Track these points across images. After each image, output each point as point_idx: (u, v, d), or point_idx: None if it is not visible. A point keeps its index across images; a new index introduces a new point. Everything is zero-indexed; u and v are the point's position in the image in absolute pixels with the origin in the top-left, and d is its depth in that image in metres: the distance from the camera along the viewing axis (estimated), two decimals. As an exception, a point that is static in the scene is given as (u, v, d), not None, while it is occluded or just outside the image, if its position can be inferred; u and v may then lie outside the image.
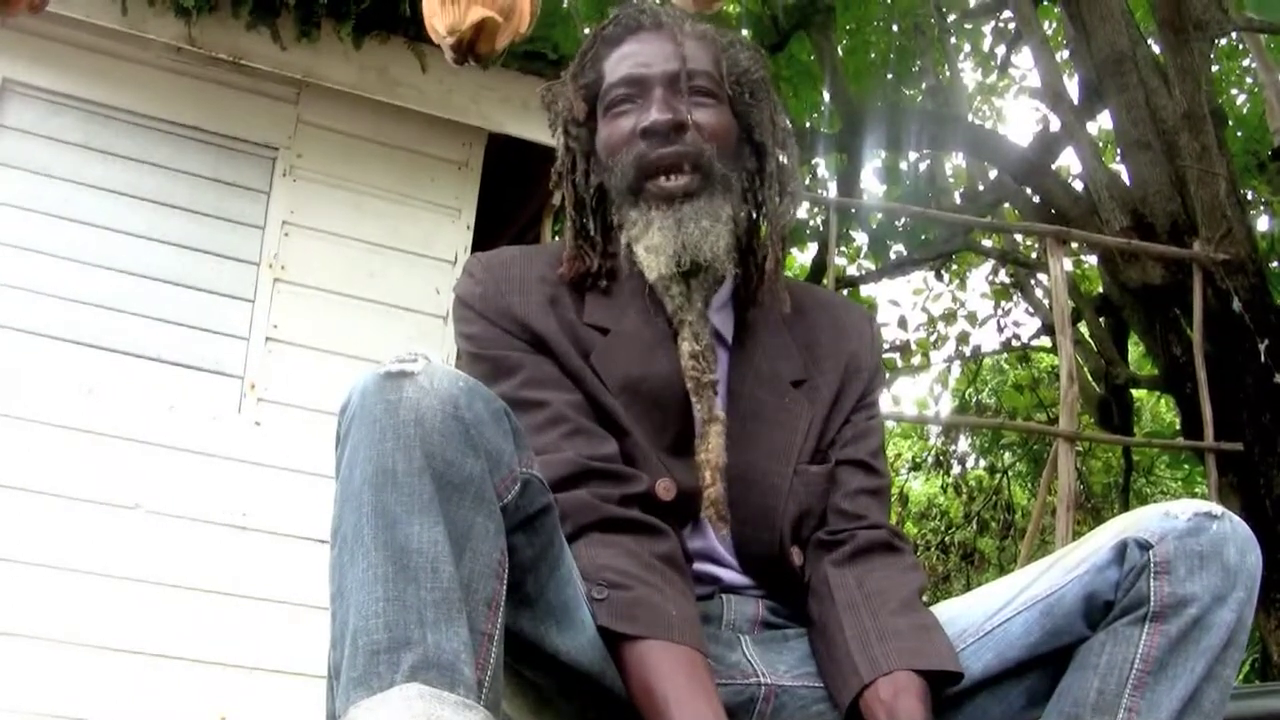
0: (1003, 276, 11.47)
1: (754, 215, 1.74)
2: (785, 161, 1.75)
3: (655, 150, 1.64)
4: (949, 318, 11.91)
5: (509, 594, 1.29)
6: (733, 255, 1.67)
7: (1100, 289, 9.84)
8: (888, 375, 11.24)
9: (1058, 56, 9.14)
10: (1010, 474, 12.62)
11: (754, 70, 1.74)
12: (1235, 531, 1.41)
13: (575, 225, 1.74)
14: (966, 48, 11.13)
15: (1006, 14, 9.95)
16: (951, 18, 10.34)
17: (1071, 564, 1.48)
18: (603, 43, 1.74)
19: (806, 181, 10.08)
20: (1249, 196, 9.14)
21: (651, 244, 1.63)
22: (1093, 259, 10.10)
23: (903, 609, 1.53)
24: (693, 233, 1.63)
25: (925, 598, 1.61)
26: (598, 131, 1.73)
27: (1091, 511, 10.90)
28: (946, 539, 12.69)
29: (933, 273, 11.52)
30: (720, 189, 1.66)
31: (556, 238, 5.42)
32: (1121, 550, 1.42)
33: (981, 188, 9.93)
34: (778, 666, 1.55)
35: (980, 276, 11.98)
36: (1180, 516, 1.41)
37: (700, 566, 1.61)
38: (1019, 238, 10.46)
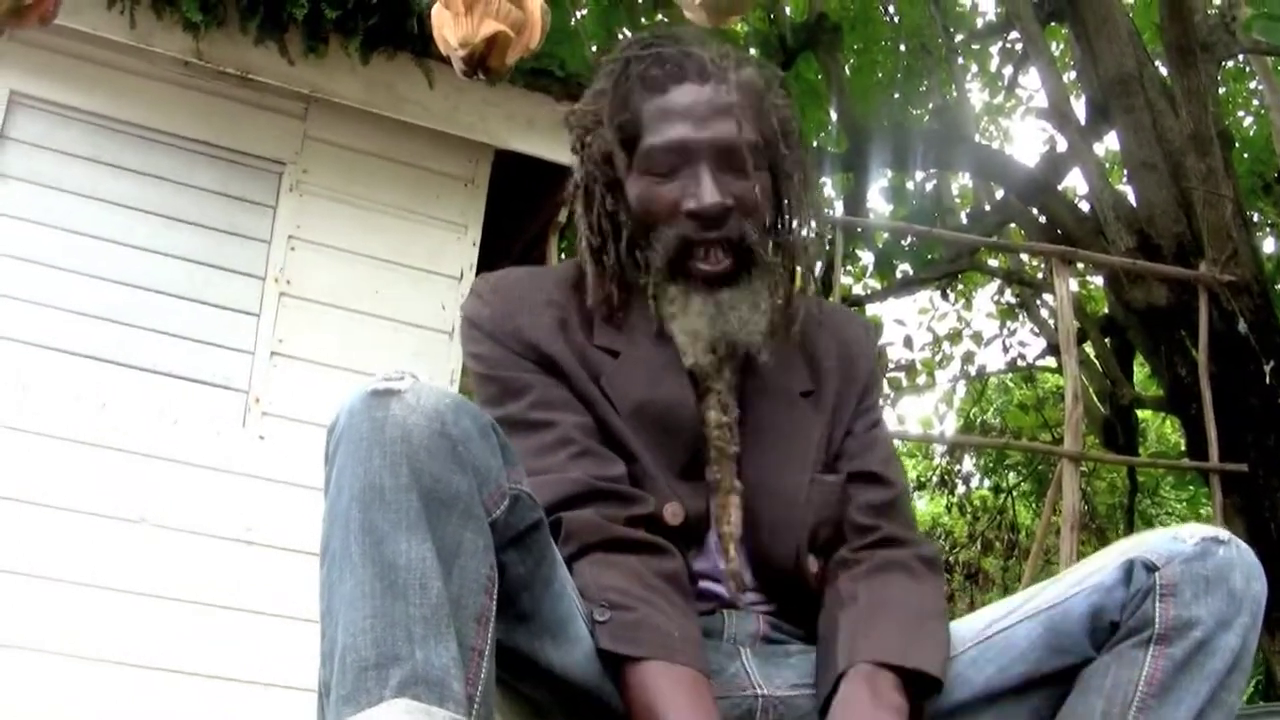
0: (1008, 296, 11.47)
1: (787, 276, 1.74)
2: (813, 205, 1.76)
3: (701, 234, 1.63)
4: (954, 337, 11.91)
5: (503, 610, 1.30)
6: (768, 339, 1.67)
7: (1106, 309, 9.84)
8: (893, 395, 11.25)
9: (1065, 77, 9.15)
10: (1015, 494, 12.62)
11: (790, 119, 1.72)
12: (1242, 558, 1.41)
13: (593, 249, 1.71)
14: (973, 68, 11.14)
15: (1014, 35, 9.96)
16: (959, 38, 10.35)
17: (1076, 579, 1.48)
18: (641, 84, 1.66)
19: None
20: (1255, 218, 9.15)
21: (689, 329, 1.64)
22: (1098, 279, 10.10)
23: (906, 619, 1.52)
24: (732, 321, 1.63)
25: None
26: (630, 179, 1.68)
27: (1096, 532, 10.89)
28: (951, 559, 12.68)
29: (938, 292, 11.53)
30: (760, 273, 1.66)
31: (563, 256, 5.43)
32: (1128, 570, 1.42)
33: (987, 208, 9.92)
34: (775, 680, 1.55)
35: (986, 296, 12.00)
36: (1188, 540, 1.42)
37: (703, 585, 1.61)
38: (1025, 258, 10.46)
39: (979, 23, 10.67)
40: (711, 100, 1.64)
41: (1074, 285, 7.75)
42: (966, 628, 1.56)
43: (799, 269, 1.75)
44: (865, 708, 1.41)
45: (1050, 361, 11.08)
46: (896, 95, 9.89)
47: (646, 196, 1.66)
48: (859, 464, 1.70)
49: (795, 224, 1.74)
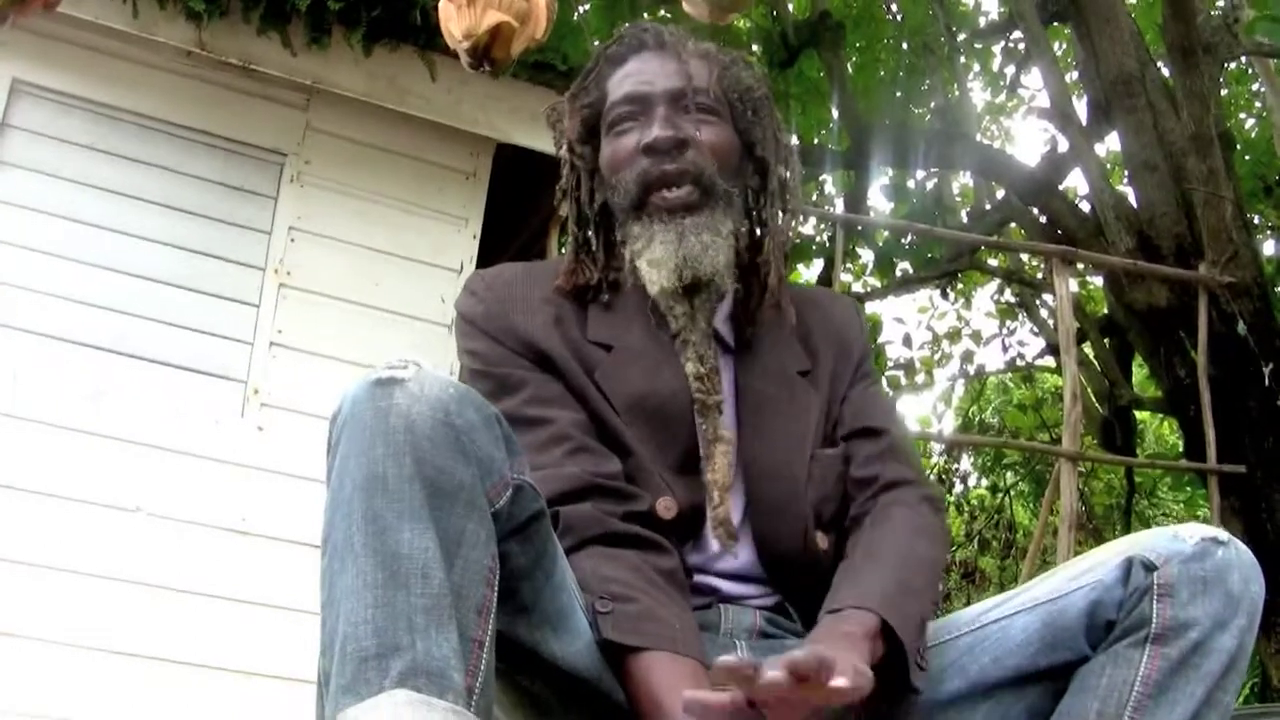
0: (1008, 296, 11.46)
1: (756, 231, 1.76)
2: (787, 177, 1.78)
3: (658, 167, 1.67)
4: (954, 336, 11.91)
5: (504, 601, 1.30)
6: (733, 272, 1.70)
7: (1105, 310, 9.83)
8: (892, 393, 11.25)
9: (1067, 77, 9.14)
10: (1012, 493, 12.61)
11: (755, 88, 1.76)
12: (1240, 559, 1.42)
13: (577, 240, 1.76)
14: (976, 67, 11.12)
15: (1016, 34, 9.95)
16: (961, 37, 10.34)
17: (1076, 573, 1.49)
18: (606, 62, 1.77)
19: (814, 198, 10.08)
20: (1255, 220, 9.14)
21: (654, 257, 1.65)
22: (1098, 280, 10.09)
23: (894, 566, 1.54)
24: (694, 246, 1.64)
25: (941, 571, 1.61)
26: (601, 149, 1.75)
27: (1093, 532, 10.89)
28: (947, 557, 12.66)
29: (938, 291, 11.52)
30: (721, 204, 1.69)
31: (562, 250, 5.43)
32: (1127, 569, 1.43)
33: (988, 207, 9.92)
34: None
35: (985, 295, 11.99)
36: (1187, 540, 1.42)
37: (699, 579, 1.62)
38: (1025, 257, 10.45)
39: (981, 22, 10.66)
40: (666, 59, 1.73)
41: (1074, 285, 7.73)
42: (963, 616, 1.57)
43: (770, 224, 1.76)
44: (826, 632, 1.44)
45: (1049, 361, 11.07)
46: (898, 93, 9.87)
47: (610, 152, 1.73)
48: (853, 423, 1.73)
49: (765, 187, 1.76)
